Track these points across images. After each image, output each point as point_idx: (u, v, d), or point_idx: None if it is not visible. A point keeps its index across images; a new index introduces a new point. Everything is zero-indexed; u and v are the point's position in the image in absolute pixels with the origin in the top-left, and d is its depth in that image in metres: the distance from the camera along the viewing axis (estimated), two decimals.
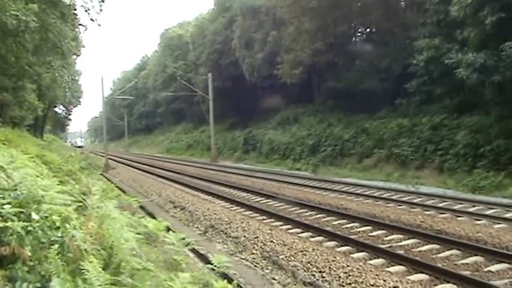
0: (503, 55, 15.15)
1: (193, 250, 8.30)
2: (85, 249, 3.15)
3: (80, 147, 79.16)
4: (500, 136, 17.22)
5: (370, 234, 9.98)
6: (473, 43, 17.35)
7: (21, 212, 3.02)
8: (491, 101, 18.57)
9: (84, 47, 32.74)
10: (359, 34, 35.97)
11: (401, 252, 8.28)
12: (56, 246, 2.94)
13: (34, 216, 3.05)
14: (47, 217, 3.11)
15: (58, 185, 4.64)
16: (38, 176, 4.55)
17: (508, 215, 11.37)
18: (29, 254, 2.73)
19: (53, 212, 3.25)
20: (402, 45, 25.12)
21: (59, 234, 3.05)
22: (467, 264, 7.56)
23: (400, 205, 13.35)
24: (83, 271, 2.89)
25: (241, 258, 8.39)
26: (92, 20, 20.14)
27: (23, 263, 2.68)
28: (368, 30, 35.03)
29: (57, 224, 3.10)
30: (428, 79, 21.84)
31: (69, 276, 2.83)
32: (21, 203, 3.19)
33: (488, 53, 16.00)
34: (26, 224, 2.86)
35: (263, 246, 8.65)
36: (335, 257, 7.52)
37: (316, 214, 12.53)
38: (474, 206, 12.83)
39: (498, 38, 15.86)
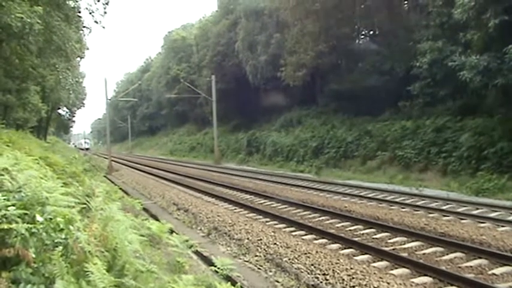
0: (506, 58, 15.12)
1: (196, 252, 8.30)
2: (89, 251, 3.15)
3: (85, 149, 75.65)
4: (503, 138, 17.17)
5: (374, 236, 9.97)
6: (477, 46, 17.31)
7: (26, 214, 3.03)
8: (495, 103, 18.53)
9: (88, 49, 32.88)
10: (362, 36, 35.96)
11: (405, 254, 8.26)
12: (60, 248, 2.95)
13: (38, 218, 3.06)
14: (51, 219, 3.11)
15: (62, 187, 4.65)
16: (42, 178, 4.56)
17: (511, 218, 11.34)
18: (33, 255, 2.74)
19: (57, 214, 3.26)
20: (405, 48, 25.09)
21: (63, 236, 3.06)
22: (471, 267, 7.53)
23: (403, 207, 13.33)
24: (87, 273, 2.89)
25: (245, 261, 8.38)
26: (96, 23, 20.31)
27: (27, 265, 2.69)
28: (371, 32, 35.02)
29: (61, 226, 3.11)
30: (431, 81, 21.82)
31: (73, 278, 2.83)
32: (26, 205, 3.20)
33: (492, 55, 15.97)
34: (30, 225, 2.86)
35: (266, 249, 8.65)
36: (338, 260, 7.51)
37: (320, 216, 12.52)
38: (478, 209, 12.79)
39: (501, 40, 15.83)
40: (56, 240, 2.99)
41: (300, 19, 32.20)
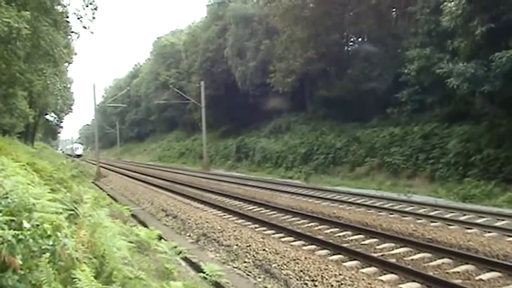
0: (493, 65, 15.29)
1: (185, 259, 8.26)
2: (76, 258, 3.13)
3: (77, 156, 70.71)
4: (490, 145, 17.36)
5: (363, 242, 10.00)
6: (464, 53, 17.51)
7: (12, 220, 3.00)
8: (482, 110, 18.73)
9: (76, 54, 32.78)
10: (351, 43, 36.19)
11: (393, 260, 8.29)
12: (47, 254, 2.92)
13: (25, 224, 3.03)
14: (38, 225, 3.08)
15: (49, 193, 4.62)
16: (29, 184, 4.53)
17: (498, 224, 11.46)
18: (20, 262, 2.71)
19: (45, 220, 3.23)
20: (394, 55, 25.34)
21: (50, 243, 3.03)
22: (458, 272, 7.58)
23: (392, 214, 13.39)
24: (75, 280, 2.87)
25: (234, 267, 8.35)
26: (85, 28, 20.22)
27: (13, 272, 2.66)
28: (360, 39, 35.26)
29: (49, 232, 3.08)
30: (419, 88, 22.07)
31: (61, 285, 2.81)
32: (12, 211, 3.17)
33: (479, 63, 16.15)
34: (17, 232, 2.83)
35: (255, 255, 8.63)
36: (327, 266, 7.51)
37: (309, 222, 12.53)
38: (465, 215, 12.89)
39: (488, 48, 16.02)
40: (43, 247, 2.97)
41: (289, 26, 32.32)
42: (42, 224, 3.15)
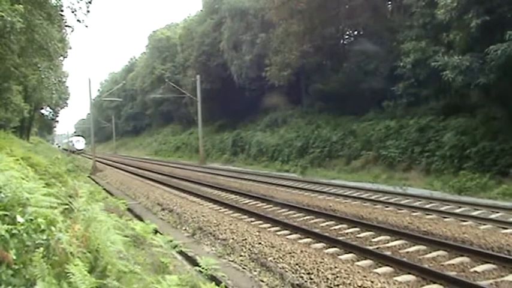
0: (488, 58, 15.31)
1: (181, 252, 8.25)
2: (71, 252, 3.12)
3: (77, 151, 69.13)
4: (485, 138, 17.41)
5: (358, 235, 10.03)
6: (459, 46, 17.52)
7: (6, 215, 2.99)
8: (477, 103, 18.78)
9: (71, 48, 32.58)
10: (347, 36, 36.15)
11: (388, 253, 8.32)
12: (41, 249, 2.91)
13: (19, 219, 3.02)
14: (32, 220, 3.08)
15: (44, 187, 4.60)
16: (23, 179, 4.51)
17: (493, 216, 11.51)
18: (14, 257, 2.70)
19: (39, 215, 3.22)
20: (389, 48, 25.32)
21: (45, 237, 3.03)
22: (453, 264, 7.62)
23: (387, 206, 13.42)
24: (68, 274, 2.86)
25: (230, 261, 8.38)
26: (79, 21, 20.07)
27: (7, 267, 2.65)
28: (356, 32, 35.20)
29: (43, 226, 3.07)
30: (415, 81, 22.07)
31: (55, 279, 2.80)
32: (6, 206, 3.15)
33: (474, 55, 16.16)
34: (10, 227, 2.83)
35: (251, 248, 8.64)
36: (323, 259, 7.53)
37: (305, 216, 12.55)
38: (460, 207, 12.94)
39: (483, 40, 16.02)
40: (37, 242, 2.96)
41: (284, 19, 32.25)
42: (36, 218, 3.14)
